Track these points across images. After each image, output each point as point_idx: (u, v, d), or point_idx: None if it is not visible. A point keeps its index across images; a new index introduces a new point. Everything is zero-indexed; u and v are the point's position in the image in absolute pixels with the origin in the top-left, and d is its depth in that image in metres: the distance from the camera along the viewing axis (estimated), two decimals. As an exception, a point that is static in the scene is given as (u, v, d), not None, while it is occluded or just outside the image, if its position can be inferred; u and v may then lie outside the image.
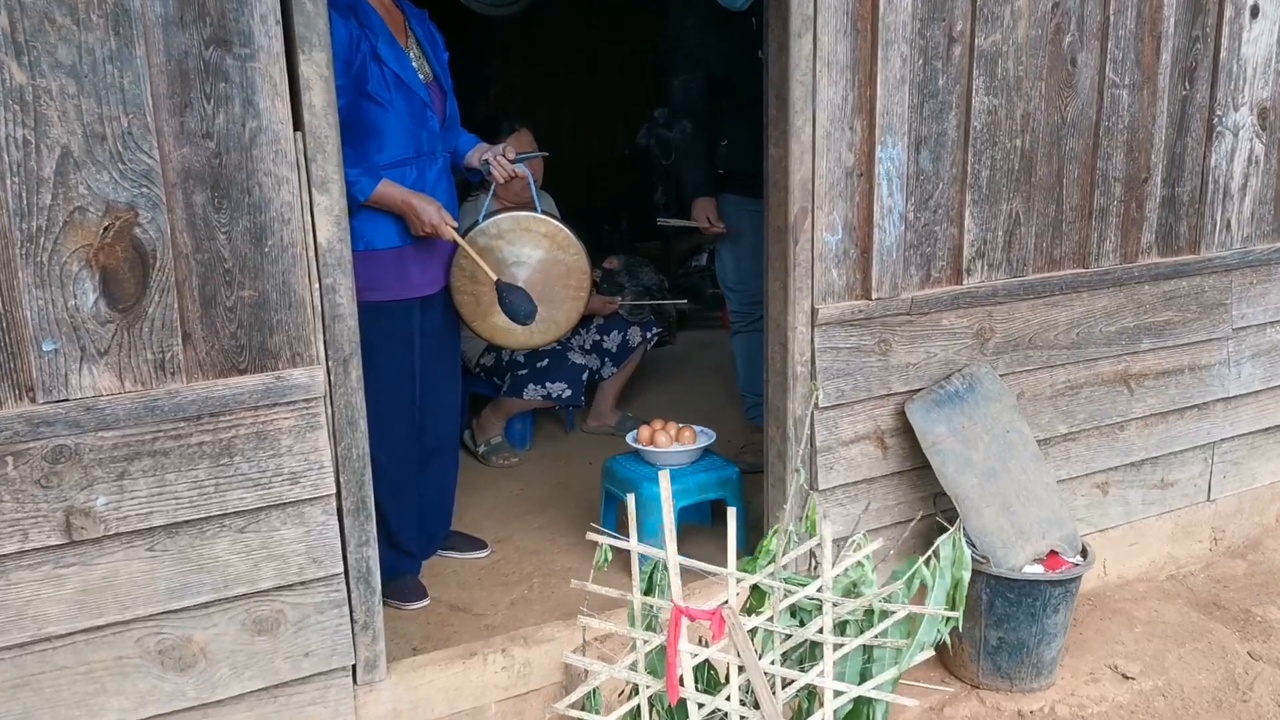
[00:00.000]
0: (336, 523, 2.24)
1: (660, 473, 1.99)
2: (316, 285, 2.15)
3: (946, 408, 2.80)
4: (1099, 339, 3.09)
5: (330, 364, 2.19)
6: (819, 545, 1.87)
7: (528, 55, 7.07)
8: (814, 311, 2.67)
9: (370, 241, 2.77)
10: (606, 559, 1.98)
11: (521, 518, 3.60)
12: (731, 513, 1.95)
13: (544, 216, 2.99)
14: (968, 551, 1.87)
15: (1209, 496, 3.44)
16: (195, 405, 2.06)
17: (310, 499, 2.19)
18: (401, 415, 2.94)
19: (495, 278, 2.89)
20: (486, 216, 2.98)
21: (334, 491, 2.22)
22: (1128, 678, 2.84)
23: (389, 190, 2.71)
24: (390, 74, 2.69)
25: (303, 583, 2.21)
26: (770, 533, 1.99)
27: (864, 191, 2.68)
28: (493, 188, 3.05)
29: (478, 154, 3.03)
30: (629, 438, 3.23)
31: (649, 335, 4.38)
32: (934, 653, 1.97)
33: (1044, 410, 3.05)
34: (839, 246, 2.68)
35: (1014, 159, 2.84)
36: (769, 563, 1.92)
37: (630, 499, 2.00)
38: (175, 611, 2.11)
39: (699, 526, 3.35)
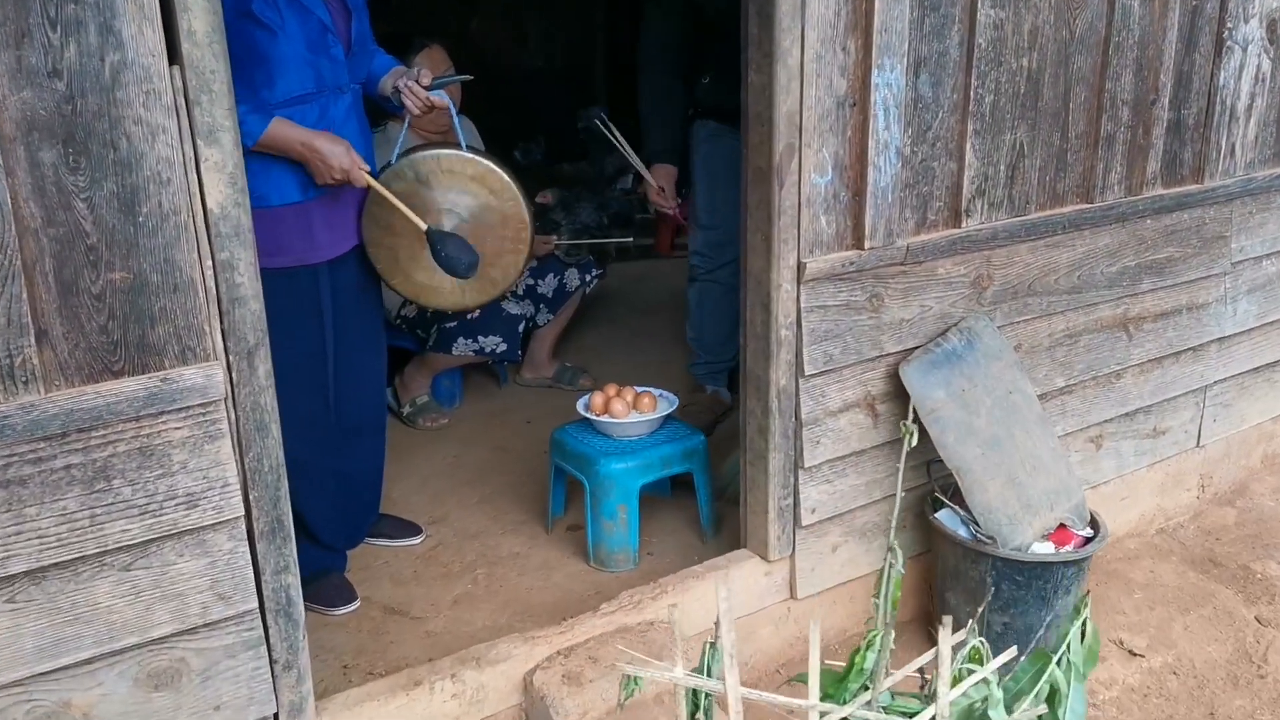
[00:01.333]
0: (248, 549, 1.83)
1: (719, 596, 1.39)
2: (209, 262, 1.71)
3: (944, 369, 2.48)
4: (1100, 281, 2.80)
5: (231, 358, 1.76)
6: (934, 660, 1.44)
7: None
8: (800, 266, 2.31)
9: (264, 196, 2.31)
10: (637, 687, 1.49)
11: (458, 491, 3.22)
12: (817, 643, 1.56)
13: (472, 155, 2.55)
14: (1098, 638, 1.51)
15: (1198, 443, 3.23)
16: (58, 420, 1.61)
17: (213, 524, 1.78)
18: (313, 395, 2.51)
19: (425, 226, 2.45)
20: (402, 155, 2.53)
21: (242, 513, 1.81)
22: (1135, 654, 2.61)
23: (284, 131, 2.24)
24: None
25: (207, 624, 1.81)
26: (864, 643, 1.57)
27: (858, 124, 2.30)
28: (407, 120, 2.59)
29: (390, 80, 2.56)
30: (580, 405, 2.86)
31: (588, 278, 3.97)
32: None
33: (1041, 363, 2.76)
34: (829, 189, 2.31)
35: (1020, 81, 2.49)
36: (860, 685, 1.52)
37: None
38: (48, 674, 1.70)
39: (658, 499, 3.01)
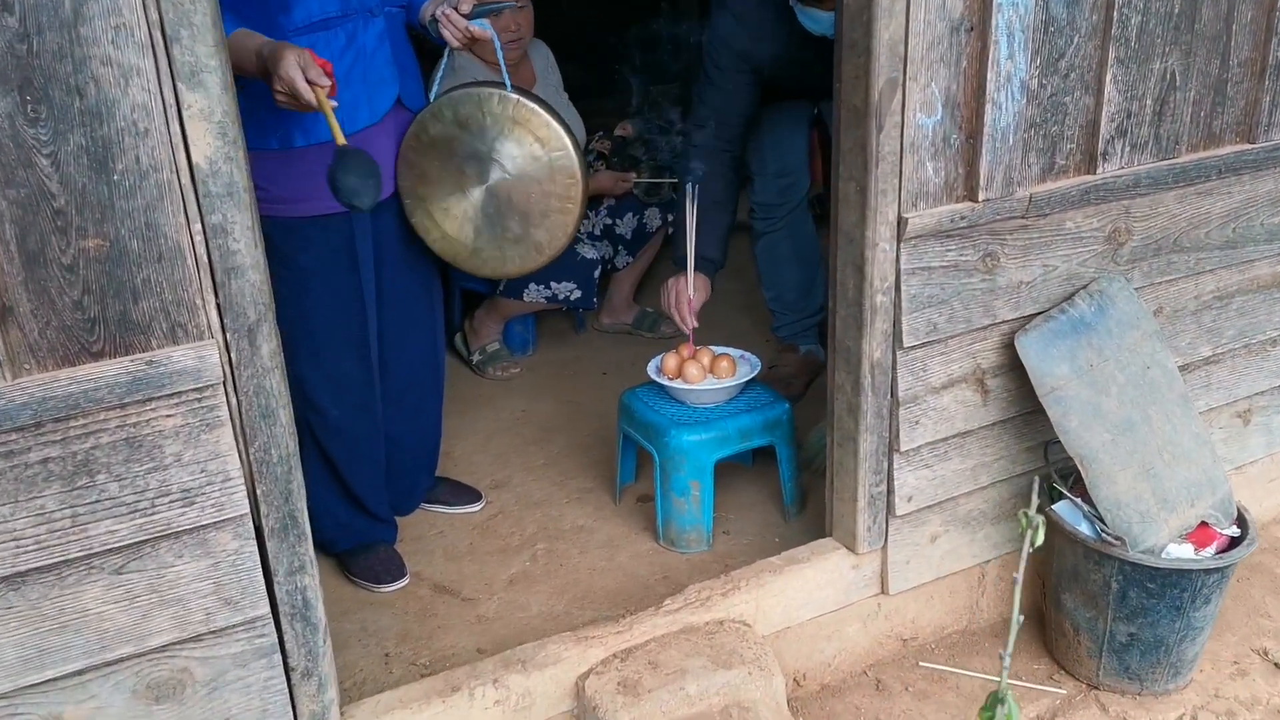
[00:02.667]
0: (256, 549, 1.63)
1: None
2: (198, 225, 1.47)
3: (1069, 339, 2.13)
4: (1258, 234, 2.38)
5: (230, 337, 1.53)
6: None
7: None
8: (901, 222, 1.97)
9: (287, 137, 2.06)
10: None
11: (524, 451, 2.99)
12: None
13: (517, 97, 2.24)
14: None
15: (1364, 417, 2.80)
16: (29, 409, 1.41)
17: (214, 522, 1.58)
18: (350, 354, 2.30)
19: (341, 142, 1.96)
20: (441, 92, 2.24)
21: (248, 509, 1.60)
22: (1282, 669, 2.26)
23: (242, 41, 1.89)
24: None
25: (213, 631, 1.62)
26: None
27: (974, 53, 1.93)
28: (447, 52, 2.29)
29: (431, 6, 2.26)
30: (650, 368, 2.58)
31: (670, 218, 3.66)
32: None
33: (1185, 329, 2.38)
34: (937, 131, 1.96)
35: (1174, -1, 2.08)
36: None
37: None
38: (35, 686, 1.53)
39: (738, 467, 2.74)
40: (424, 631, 2.26)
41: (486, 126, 2.24)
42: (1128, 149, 2.15)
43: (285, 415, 1.60)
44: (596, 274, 3.40)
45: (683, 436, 2.42)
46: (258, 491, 1.61)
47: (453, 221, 2.30)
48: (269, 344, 1.56)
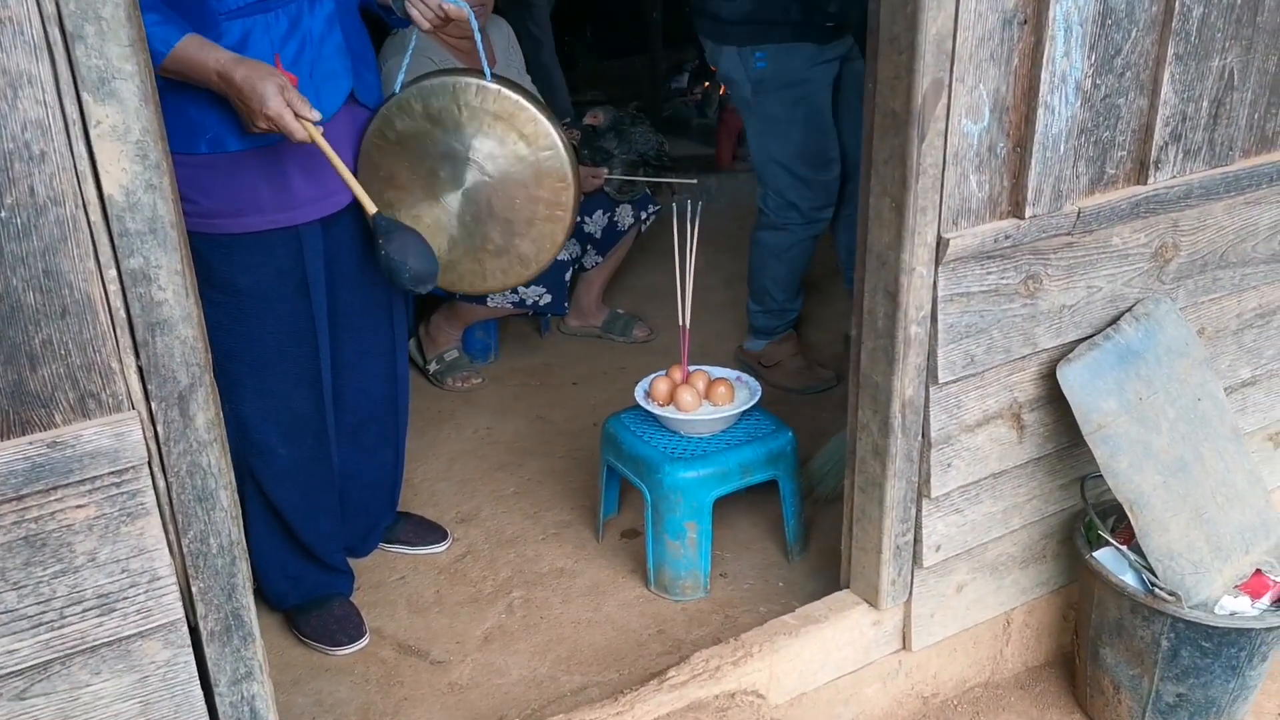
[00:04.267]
0: (191, 657, 1.34)
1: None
2: (112, 272, 1.17)
3: (1116, 370, 1.90)
4: (1305, 247, 2.18)
5: (156, 406, 1.23)
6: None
7: None
8: (941, 243, 1.72)
9: (219, 139, 1.75)
10: None
11: (491, 478, 2.71)
12: None
13: (497, 86, 1.95)
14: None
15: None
16: (-103, 509, 1.11)
17: (139, 632, 1.29)
18: (302, 389, 2.00)
19: (373, 210, 1.83)
20: (407, 85, 1.94)
21: (181, 614, 1.31)
22: (1334, 725, 2.08)
23: (195, 53, 1.63)
24: None
25: (143, 761, 1.33)
26: None
27: (1027, 49, 1.68)
28: (413, 34, 1.99)
29: None
30: (639, 393, 2.31)
31: (644, 216, 3.38)
32: None
33: (1226, 350, 2.17)
34: (983, 140, 1.71)
35: (1238, -12, 1.85)
36: None
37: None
38: (-84, 844, 1.23)
39: (732, 496, 2.48)
40: (389, 705, 1.98)
41: (463, 122, 1.94)
42: (1180, 156, 1.92)
43: (227, 496, 1.31)
44: (567, 276, 3.11)
45: (678, 473, 2.16)
46: (193, 590, 1.32)
47: (423, 228, 2.00)
48: (205, 412, 1.27)
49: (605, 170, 3.22)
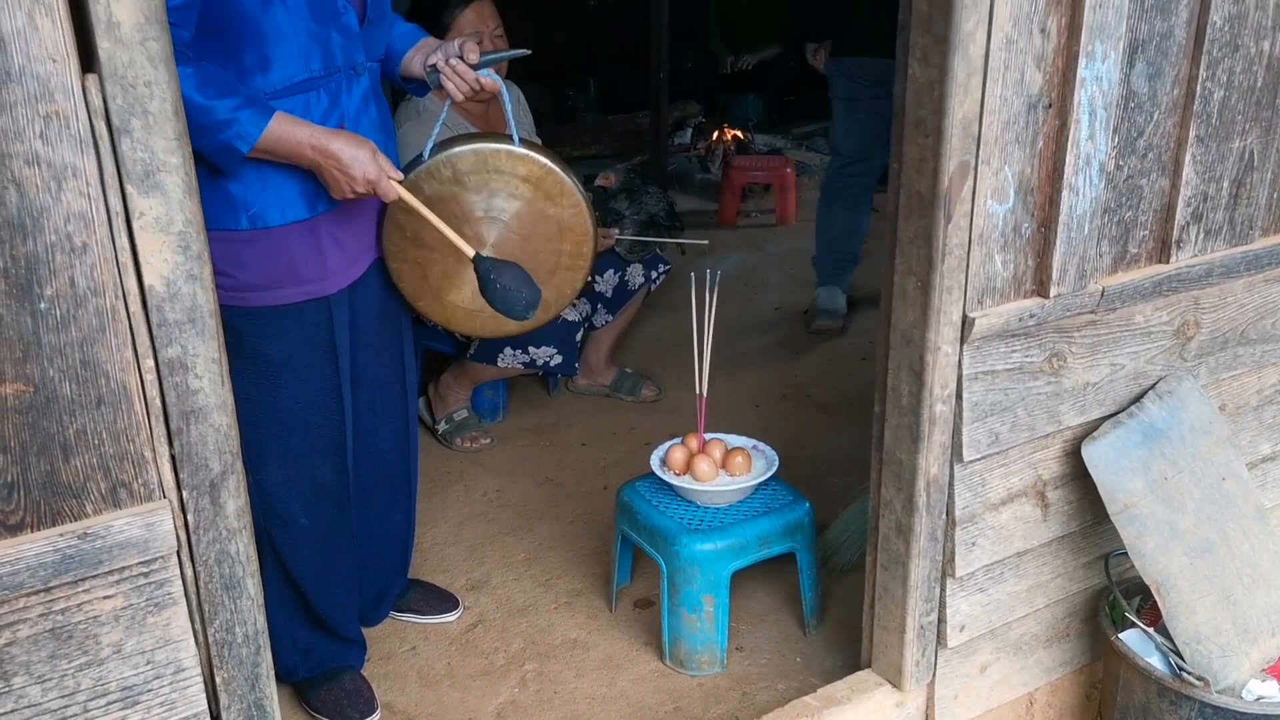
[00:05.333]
0: (217, 751, 1.31)
1: None
2: (150, 362, 1.16)
3: (1141, 449, 1.90)
4: (1322, 323, 2.19)
5: (187, 495, 1.22)
6: None
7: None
8: (966, 322, 1.72)
9: (261, 215, 1.76)
10: None
11: (501, 543, 2.69)
12: None
13: (525, 151, 1.97)
14: None
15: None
16: (-76, 603, 1.09)
17: (164, 726, 1.26)
18: (326, 456, 1.99)
19: (472, 253, 1.89)
20: (435, 150, 1.95)
21: (204, 706, 1.28)
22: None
23: (289, 130, 1.68)
24: None
25: None
26: None
27: (1052, 132, 1.69)
28: (446, 105, 2.01)
29: (421, 55, 1.97)
30: (654, 461, 2.30)
31: (654, 275, 3.38)
32: None
33: (1247, 427, 2.17)
34: (1008, 220, 1.72)
35: (1257, 72, 1.86)
36: None
37: None
38: None
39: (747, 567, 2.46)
40: (402, 785, 1.95)
41: (491, 184, 1.95)
42: (1202, 235, 1.93)
43: (253, 585, 1.29)
44: (578, 337, 3.11)
45: (695, 545, 2.14)
46: (217, 680, 1.29)
47: (449, 284, 2.01)
48: (236, 500, 1.25)
49: (616, 231, 3.23)
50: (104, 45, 1.05)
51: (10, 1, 1.00)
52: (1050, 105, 1.68)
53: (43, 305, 1.09)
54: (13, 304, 1.07)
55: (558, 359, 3.06)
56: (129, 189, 1.09)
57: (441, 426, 3.20)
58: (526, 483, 2.98)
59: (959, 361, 1.75)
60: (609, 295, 3.32)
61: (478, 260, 1.89)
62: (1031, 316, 1.77)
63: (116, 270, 1.11)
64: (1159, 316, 1.94)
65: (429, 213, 1.84)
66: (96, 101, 1.06)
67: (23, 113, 1.03)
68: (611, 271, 3.29)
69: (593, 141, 6.60)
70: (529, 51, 2.00)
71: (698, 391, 2.31)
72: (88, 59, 1.06)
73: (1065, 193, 1.72)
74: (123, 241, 1.11)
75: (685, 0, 6.25)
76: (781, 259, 4.76)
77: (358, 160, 1.72)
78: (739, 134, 6.13)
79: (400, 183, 1.81)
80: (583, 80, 7.14)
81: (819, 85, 6.83)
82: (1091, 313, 1.84)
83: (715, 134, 6.21)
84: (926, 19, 1.58)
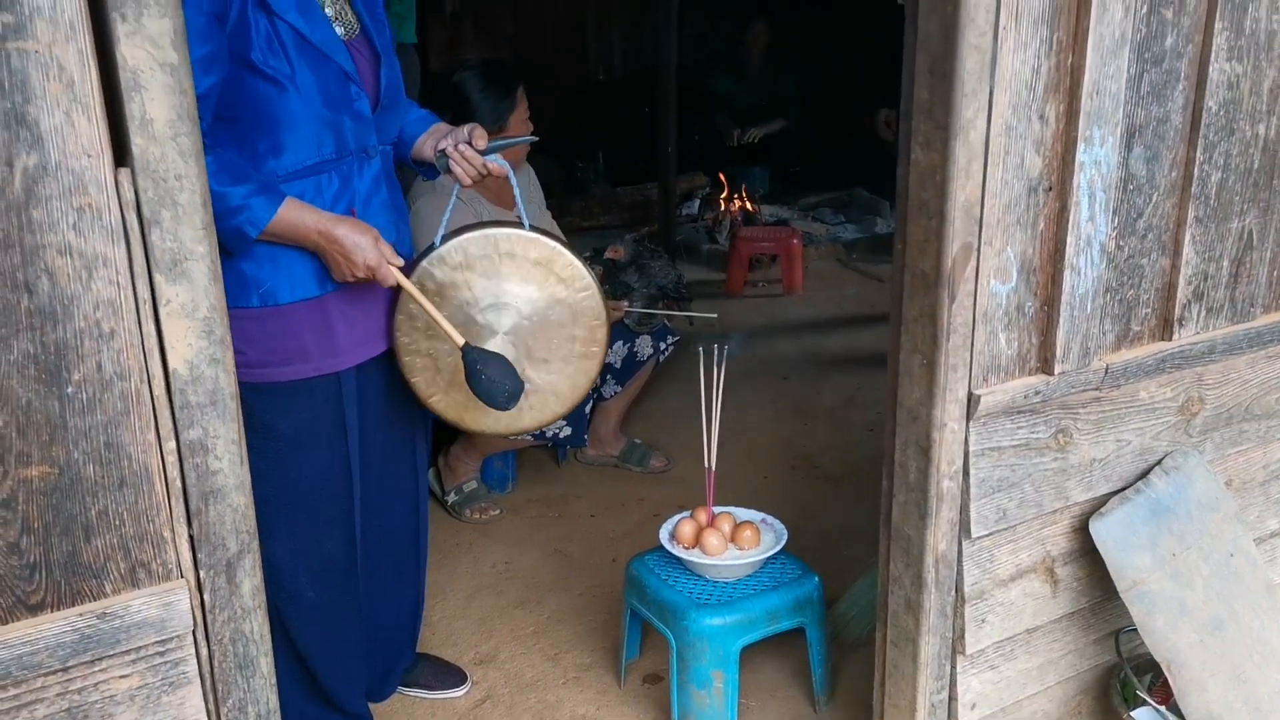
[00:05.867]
0: (227, 831, 1.31)
1: None
2: (171, 444, 1.19)
3: (1149, 525, 1.91)
4: (1326, 398, 2.20)
5: (204, 575, 1.24)
6: None
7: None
8: (971, 399, 1.74)
9: (271, 293, 1.80)
10: None
11: (510, 616, 2.69)
12: None
13: (535, 235, 2.01)
14: None
15: None
16: (-55, 683, 1.10)
17: (177, 807, 1.26)
18: (333, 528, 2.01)
19: (461, 342, 1.91)
20: (447, 237, 1.99)
21: (219, 787, 1.28)
22: None
23: (296, 216, 1.73)
24: (289, 32, 1.69)
25: None
26: None
27: (1053, 214, 1.73)
28: (455, 191, 2.06)
29: (433, 140, 2.03)
30: (663, 534, 2.31)
31: (663, 347, 3.42)
32: None
33: (1254, 502, 2.17)
34: (1011, 299, 1.75)
35: (1253, 154, 1.91)
36: None
37: None
38: None
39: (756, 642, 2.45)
40: None
41: (502, 270, 1.99)
42: (1204, 313, 1.96)
43: (266, 664, 1.31)
44: (588, 409, 3.14)
45: (704, 620, 2.14)
46: (231, 760, 1.30)
47: (461, 375, 2.03)
48: (252, 579, 1.27)
49: (626, 303, 3.28)
50: (137, 141, 1.09)
51: (50, 100, 1.04)
52: (1050, 188, 1.72)
53: (70, 389, 1.12)
54: (41, 389, 1.10)
55: (567, 431, 3.08)
56: (157, 277, 1.13)
57: (451, 498, 3.21)
58: (535, 554, 2.98)
59: (965, 438, 1.77)
60: (618, 366, 3.35)
61: (466, 349, 1.90)
62: (1037, 393, 1.80)
63: (142, 355, 1.14)
64: (1163, 393, 1.96)
65: (423, 299, 1.85)
66: (128, 194, 1.10)
67: (57, 205, 1.07)
68: (620, 343, 3.33)
69: (601, 212, 6.69)
70: (536, 138, 2.06)
71: (706, 465, 2.32)
72: (121, 153, 1.10)
73: (1067, 272, 1.76)
74: (149, 327, 1.14)
75: (691, 76, 6.38)
76: (789, 329, 4.80)
77: (359, 247, 1.77)
78: (746, 205, 6.22)
79: (405, 269, 1.85)
80: (592, 152, 7.25)
81: (824, 157, 6.98)
82: (1096, 389, 1.87)
83: (722, 205, 6.30)
84: (928, 106, 1.63)
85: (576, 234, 5.93)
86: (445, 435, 3.27)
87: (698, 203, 6.60)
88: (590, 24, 7.19)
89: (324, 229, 1.73)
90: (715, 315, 3.09)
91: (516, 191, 2.02)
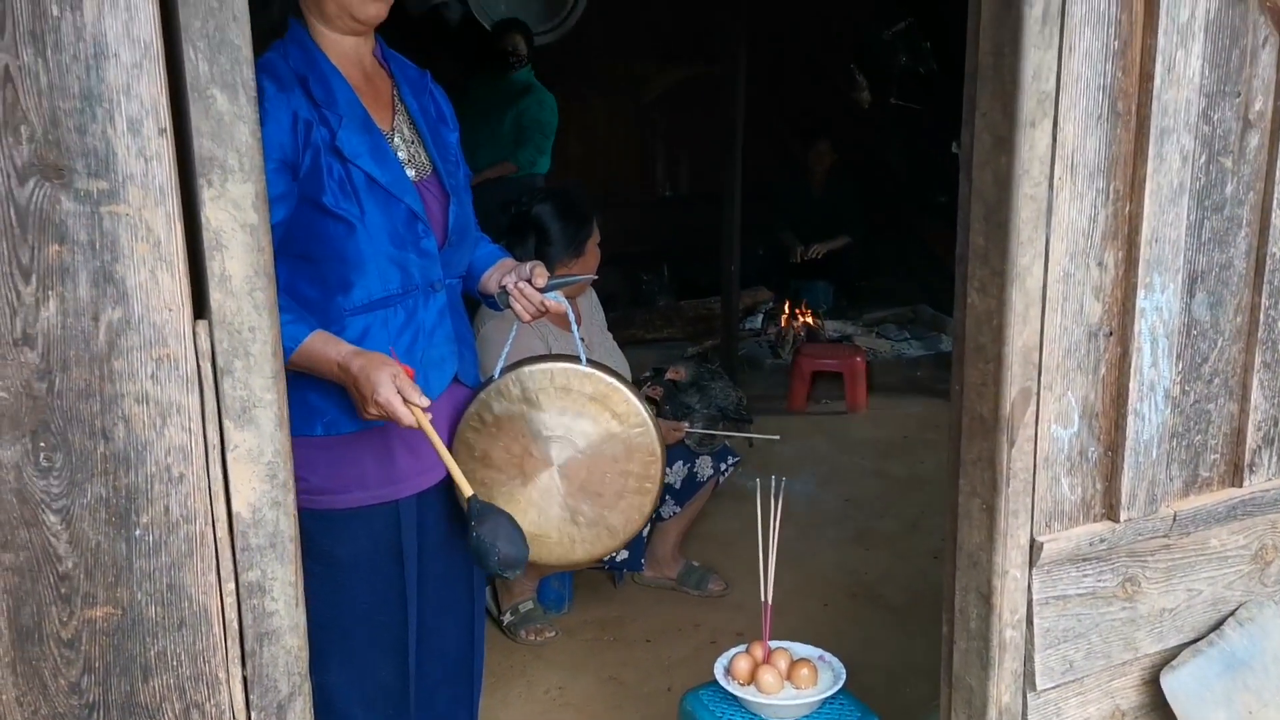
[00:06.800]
0: None
1: None
2: (230, 585, 1.22)
3: (1223, 679, 1.83)
4: None
5: (255, 716, 1.25)
6: None
7: (559, 77, 5.98)
8: (1034, 546, 1.71)
9: (336, 421, 1.84)
10: None
11: (563, 746, 2.65)
12: None
13: (592, 370, 2.04)
14: None
15: None
16: (0, 822, 1.12)
17: None
18: (388, 656, 2.01)
19: (470, 493, 1.86)
20: (507, 369, 2.03)
21: None
22: None
23: (320, 349, 1.75)
24: (359, 175, 1.76)
25: None
26: None
27: (1114, 359, 1.72)
28: (514, 326, 2.10)
29: (498, 275, 2.07)
30: (718, 669, 2.27)
31: (723, 468, 3.41)
32: None
33: (1337, 655, 2.08)
34: (1073, 444, 1.73)
35: (1321, 298, 1.88)
36: None
37: None
38: None
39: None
40: None
41: (559, 404, 2.02)
42: (1275, 458, 1.91)
43: (316, 806, 1.30)
44: (646, 532, 3.13)
45: (760, 762, 2.09)
46: None
47: (516, 506, 2.05)
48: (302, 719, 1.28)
49: (686, 424, 3.29)
50: (216, 296, 1.15)
51: (136, 259, 1.10)
52: (1111, 333, 1.71)
53: (138, 532, 1.16)
54: (111, 531, 1.14)
55: (624, 555, 3.07)
56: (226, 423, 1.17)
57: (506, 618, 3.20)
58: (589, 680, 2.94)
59: (1028, 586, 1.73)
60: (677, 487, 3.34)
61: (471, 501, 1.85)
62: (1102, 541, 1.76)
63: (208, 498, 1.18)
64: (1235, 540, 1.91)
65: (436, 439, 1.81)
66: (205, 345, 1.15)
67: (138, 356, 1.13)
68: (680, 463, 3.33)
69: (665, 325, 6.76)
70: (596, 277, 2.10)
71: (763, 599, 2.29)
72: (199, 306, 1.16)
73: (1130, 418, 1.73)
74: (216, 471, 1.18)
75: (756, 193, 6.50)
76: (852, 449, 4.76)
77: (371, 381, 1.73)
78: (809, 320, 6.24)
79: (464, 403, 1.87)
80: (656, 265, 7.37)
81: (888, 272, 7.01)
82: (1164, 537, 1.82)
83: (785, 320, 6.33)
84: (984, 252, 1.64)
85: (640, 346, 6.00)
86: (503, 554, 3.28)
87: (761, 317, 6.64)
88: (659, 146, 7.38)
89: (343, 360, 1.74)
90: (778, 437, 3.08)
91: (575, 331, 2.06)
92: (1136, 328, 1.70)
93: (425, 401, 1.78)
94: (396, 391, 1.74)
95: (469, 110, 5.28)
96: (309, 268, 1.79)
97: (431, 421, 1.89)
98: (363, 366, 1.74)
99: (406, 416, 1.76)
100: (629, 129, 7.25)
